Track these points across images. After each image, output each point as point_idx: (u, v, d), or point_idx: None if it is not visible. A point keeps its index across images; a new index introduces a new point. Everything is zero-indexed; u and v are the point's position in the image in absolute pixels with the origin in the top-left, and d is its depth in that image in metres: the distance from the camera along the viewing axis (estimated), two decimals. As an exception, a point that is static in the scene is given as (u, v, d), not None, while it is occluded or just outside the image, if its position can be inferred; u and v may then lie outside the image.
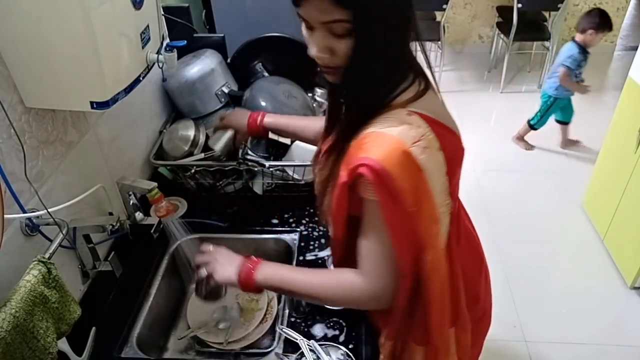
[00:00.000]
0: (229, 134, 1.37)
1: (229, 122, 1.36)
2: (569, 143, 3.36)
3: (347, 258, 0.95)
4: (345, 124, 0.85)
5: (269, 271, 0.96)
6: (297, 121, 1.29)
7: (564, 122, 3.31)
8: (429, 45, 4.41)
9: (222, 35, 1.67)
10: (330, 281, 0.93)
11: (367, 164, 0.76)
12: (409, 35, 0.80)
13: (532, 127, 3.29)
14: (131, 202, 1.18)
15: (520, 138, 3.38)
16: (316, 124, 1.20)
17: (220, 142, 1.38)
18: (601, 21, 2.97)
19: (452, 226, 0.91)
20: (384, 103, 0.81)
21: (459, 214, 0.97)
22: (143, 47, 1.02)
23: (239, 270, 0.97)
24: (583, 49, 3.05)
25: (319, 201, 0.95)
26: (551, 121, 3.37)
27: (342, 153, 0.84)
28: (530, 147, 3.35)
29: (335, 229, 0.93)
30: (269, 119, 1.28)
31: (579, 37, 3.05)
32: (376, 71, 0.79)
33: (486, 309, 1.11)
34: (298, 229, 1.37)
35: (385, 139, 0.78)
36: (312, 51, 0.80)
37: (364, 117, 0.82)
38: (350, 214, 0.86)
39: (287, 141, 1.48)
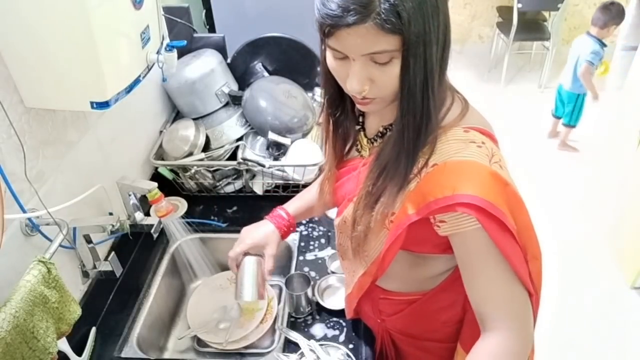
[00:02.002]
0: (250, 273, 1.05)
1: (250, 245, 1.05)
2: (566, 146, 3.36)
3: (369, 289, 0.95)
4: (401, 153, 0.76)
5: None
6: (305, 195, 1.13)
7: (571, 126, 3.29)
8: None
9: (222, 35, 1.67)
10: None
11: (466, 201, 0.70)
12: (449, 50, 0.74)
13: (572, 126, 3.25)
14: (131, 202, 1.18)
15: (565, 144, 3.32)
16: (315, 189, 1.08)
17: (248, 288, 1.04)
18: (622, 15, 2.95)
19: None
20: (438, 125, 0.76)
21: None
22: (143, 47, 1.02)
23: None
24: (603, 44, 2.99)
25: (353, 238, 0.86)
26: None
27: (402, 187, 0.77)
28: (574, 148, 3.33)
29: (377, 266, 0.87)
30: (292, 211, 1.10)
31: (597, 32, 2.98)
32: (433, 93, 0.72)
33: None
34: (298, 229, 1.37)
35: (467, 168, 0.73)
36: (352, 84, 0.71)
37: (420, 144, 0.75)
38: (402, 249, 0.82)
39: (287, 141, 1.48)
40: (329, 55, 0.74)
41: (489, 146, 0.76)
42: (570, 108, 3.19)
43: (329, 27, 0.67)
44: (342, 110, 0.88)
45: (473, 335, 0.84)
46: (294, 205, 1.11)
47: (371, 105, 0.76)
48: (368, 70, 0.70)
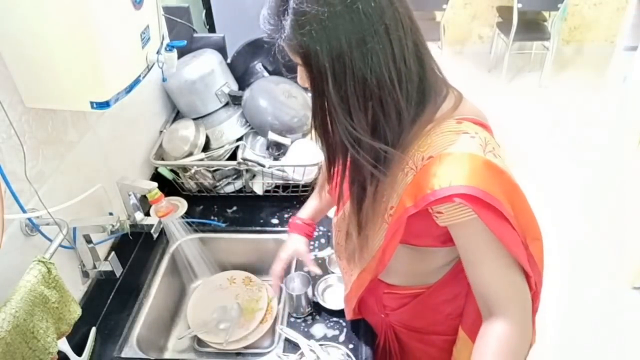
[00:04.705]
0: (298, 282, 1.18)
1: (286, 258, 1.15)
2: None
3: (373, 285, 0.95)
4: (379, 153, 0.77)
5: None
6: (317, 201, 1.19)
7: None
8: (428, 45, 4.40)
9: (222, 35, 1.67)
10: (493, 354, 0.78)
11: (459, 192, 0.71)
12: (398, 67, 0.72)
13: None
14: (131, 202, 1.18)
15: None
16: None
17: (298, 288, 1.17)
18: None
19: None
20: (423, 119, 0.76)
21: None
22: (143, 47, 1.02)
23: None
24: None
25: (356, 233, 0.88)
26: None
27: (393, 181, 0.78)
28: None
29: (377, 262, 0.87)
30: (305, 215, 1.17)
31: None
32: (342, 125, 0.74)
33: None
34: (298, 229, 1.37)
35: (461, 159, 0.73)
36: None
37: (401, 142, 0.76)
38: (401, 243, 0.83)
39: (287, 141, 1.48)
40: None
41: (482, 135, 0.76)
42: None
43: None
44: None
45: (476, 321, 0.86)
46: (305, 212, 1.19)
47: None
48: (304, 75, 0.76)
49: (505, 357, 0.77)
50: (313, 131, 0.82)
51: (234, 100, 1.57)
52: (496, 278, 0.79)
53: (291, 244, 1.15)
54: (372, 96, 0.72)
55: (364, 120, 0.74)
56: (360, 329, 1.10)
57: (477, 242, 0.77)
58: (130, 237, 1.19)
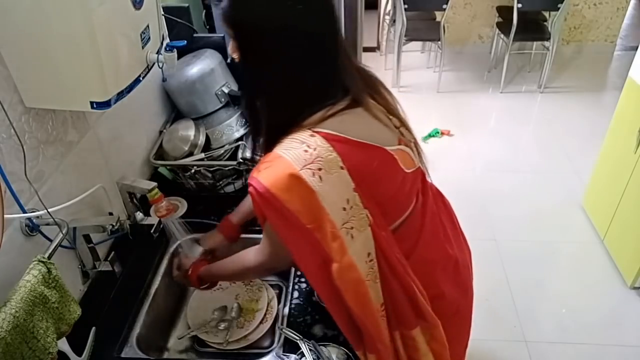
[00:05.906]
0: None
1: (195, 236, 1.28)
2: None
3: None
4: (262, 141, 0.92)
5: (208, 267, 1.15)
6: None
7: None
8: (429, 45, 4.41)
9: (222, 35, 1.67)
10: (235, 258, 1.09)
11: (254, 185, 0.81)
12: (318, 60, 0.83)
13: None
14: (131, 202, 1.18)
15: None
16: None
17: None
18: None
19: (401, 229, 0.94)
20: (293, 123, 0.85)
21: (416, 213, 0.98)
22: (143, 47, 1.02)
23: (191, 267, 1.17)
24: None
25: None
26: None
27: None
28: None
29: None
30: (236, 217, 1.27)
31: None
32: (262, 92, 0.87)
33: (460, 304, 1.10)
34: (298, 229, 1.37)
35: (278, 162, 0.82)
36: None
37: (273, 136, 0.87)
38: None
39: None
40: None
41: (318, 154, 0.81)
42: None
43: None
44: None
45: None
46: (238, 214, 1.26)
47: None
48: (233, 44, 0.85)
49: (240, 265, 1.06)
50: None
51: (234, 100, 1.57)
52: (267, 245, 0.98)
53: (208, 234, 1.26)
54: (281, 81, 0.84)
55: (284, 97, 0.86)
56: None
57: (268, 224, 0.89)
58: (130, 237, 1.19)
